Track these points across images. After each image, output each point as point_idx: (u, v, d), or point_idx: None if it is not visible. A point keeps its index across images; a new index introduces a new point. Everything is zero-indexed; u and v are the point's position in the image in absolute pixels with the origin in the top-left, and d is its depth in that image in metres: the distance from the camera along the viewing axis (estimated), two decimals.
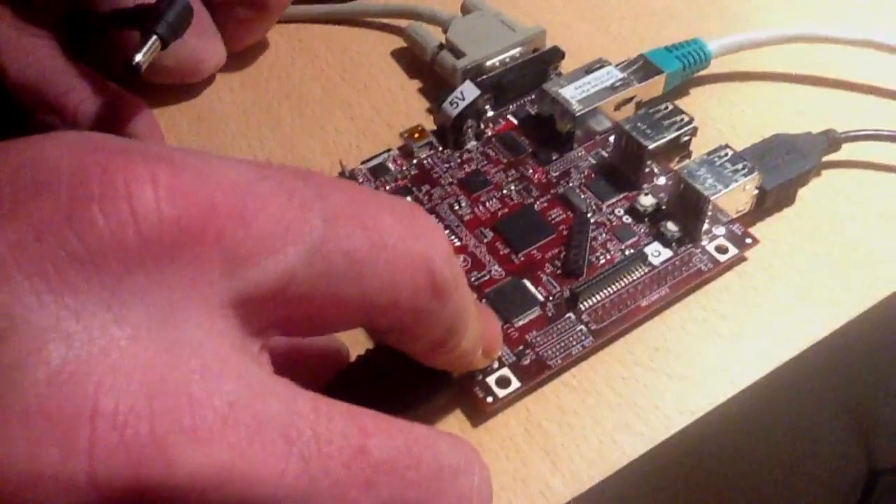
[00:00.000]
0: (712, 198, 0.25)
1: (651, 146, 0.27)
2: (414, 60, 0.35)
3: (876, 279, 0.26)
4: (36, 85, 0.30)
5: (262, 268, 0.14)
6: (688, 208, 0.26)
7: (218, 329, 0.13)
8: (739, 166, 0.26)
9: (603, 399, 0.24)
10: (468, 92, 0.30)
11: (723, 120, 0.32)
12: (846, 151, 0.29)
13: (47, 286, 0.12)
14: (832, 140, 0.29)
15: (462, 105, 0.29)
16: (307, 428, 0.14)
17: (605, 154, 0.29)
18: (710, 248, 0.26)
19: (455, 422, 0.24)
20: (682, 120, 0.28)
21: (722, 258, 0.26)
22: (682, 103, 0.32)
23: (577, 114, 0.29)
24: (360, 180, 0.29)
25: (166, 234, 0.13)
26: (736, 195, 0.26)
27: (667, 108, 0.28)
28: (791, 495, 0.43)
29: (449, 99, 0.30)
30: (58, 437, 0.11)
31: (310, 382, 0.19)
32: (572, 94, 0.29)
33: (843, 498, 0.53)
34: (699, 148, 0.29)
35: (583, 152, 0.30)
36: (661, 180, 0.28)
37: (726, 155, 0.26)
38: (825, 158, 0.29)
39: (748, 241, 0.26)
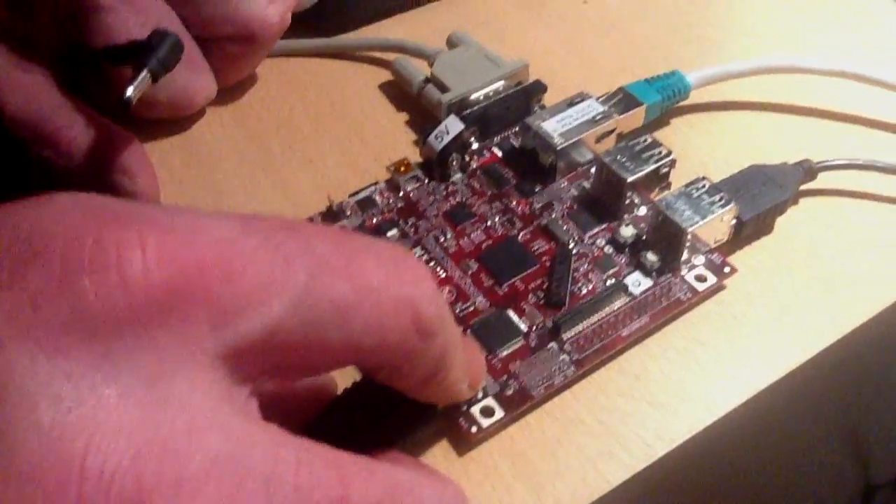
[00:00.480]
0: (690, 229, 0.26)
1: (630, 178, 0.28)
2: (401, 93, 0.35)
3: (855, 302, 0.27)
4: (32, 120, 0.30)
5: (249, 321, 0.14)
6: (667, 239, 0.27)
7: (206, 383, 0.14)
8: (716, 198, 0.27)
9: (585, 427, 0.24)
10: (452, 126, 0.30)
11: (701, 150, 0.32)
12: (822, 180, 0.30)
13: (41, 350, 0.12)
14: (808, 170, 0.29)
15: (447, 139, 0.30)
16: (289, 477, 0.14)
17: (586, 185, 0.30)
18: (690, 277, 0.27)
19: (440, 452, 0.24)
20: (660, 152, 0.29)
21: (701, 287, 0.27)
22: (661, 134, 0.33)
23: (559, 147, 0.29)
24: (348, 213, 0.30)
25: (155, 298, 0.13)
26: (714, 226, 0.27)
27: (646, 140, 0.29)
28: None
29: (434, 133, 0.31)
30: (48, 499, 0.12)
31: (297, 416, 0.20)
32: (554, 127, 0.30)
33: None
34: (679, 178, 0.29)
35: (565, 184, 0.30)
36: (642, 210, 0.29)
37: (703, 187, 0.27)
38: (802, 187, 0.30)
39: (726, 269, 0.27)
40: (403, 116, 0.35)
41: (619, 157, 0.28)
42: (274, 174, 0.33)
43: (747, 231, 0.28)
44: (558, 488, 0.23)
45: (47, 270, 0.13)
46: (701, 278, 0.27)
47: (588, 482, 0.23)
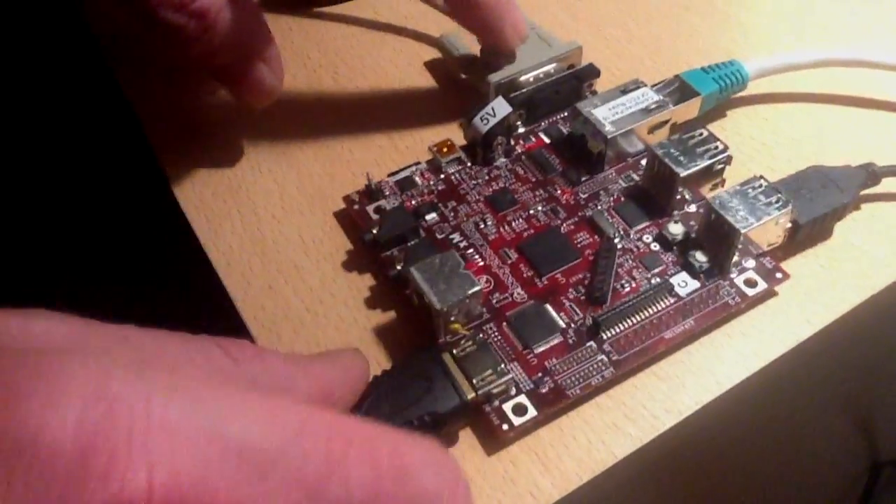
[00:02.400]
0: (744, 231, 0.25)
1: (683, 173, 0.27)
2: (448, 72, 0.34)
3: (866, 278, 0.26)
4: None
5: None
6: (718, 239, 0.26)
7: None
8: (773, 199, 0.25)
9: (592, 399, 0.24)
10: (499, 108, 0.29)
11: (759, 145, 0.31)
12: (886, 185, 0.28)
13: None
14: (871, 174, 0.28)
15: (493, 122, 0.29)
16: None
17: (636, 177, 0.29)
18: (739, 280, 0.26)
19: (468, 448, 0.23)
20: (716, 147, 0.27)
21: (751, 292, 0.25)
22: (717, 126, 0.31)
23: (610, 136, 0.28)
24: (387, 192, 0.29)
25: None
26: (768, 228, 0.25)
27: (701, 134, 0.28)
28: (794, 489, 0.44)
29: (480, 115, 0.29)
30: None
31: None
32: (605, 114, 0.29)
33: (846, 491, 0.53)
34: (733, 174, 0.28)
35: (613, 174, 0.29)
36: (692, 208, 0.28)
37: (760, 186, 0.26)
38: (864, 192, 0.28)
39: (779, 275, 0.26)
40: (449, 96, 0.34)
41: (672, 150, 0.27)
42: (316, 147, 0.32)
43: (803, 235, 0.27)
44: (564, 461, 0.23)
45: (54, 483, 0.13)
46: (751, 283, 0.26)
47: (594, 455, 0.23)
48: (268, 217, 0.29)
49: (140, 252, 0.42)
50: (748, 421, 0.29)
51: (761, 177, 0.26)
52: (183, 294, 0.38)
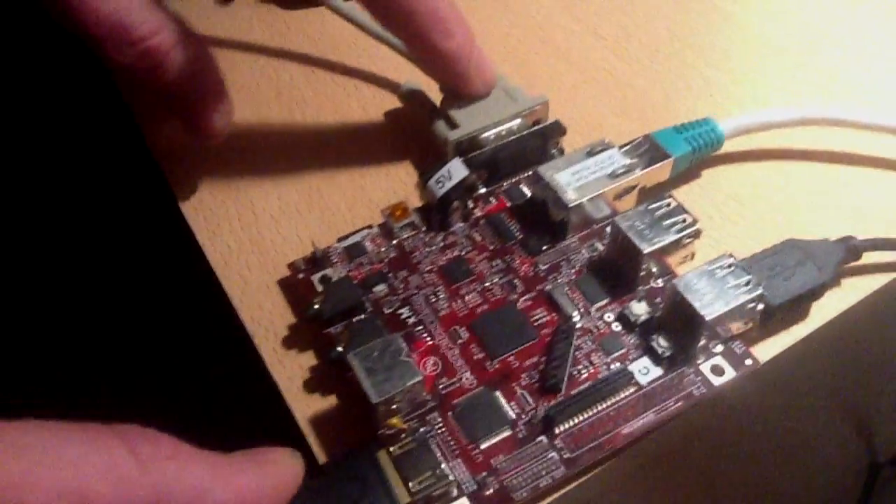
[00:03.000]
0: (709, 317, 0.23)
1: (647, 249, 0.25)
2: (410, 123, 0.33)
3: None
4: (116, 18, 0.26)
5: None
6: (683, 323, 0.24)
7: None
8: (742, 280, 0.24)
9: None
10: (456, 171, 0.28)
11: (733, 209, 0.29)
12: (868, 257, 0.27)
13: None
14: (851, 248, 0.26)
15: (448, 185, 0.27)
16: None
17: (600, 246, 0.27)
18: (706, 368, 0.24)
19: None
20: (684, 220, 0.25)
21: (717, 381, 0.24)
22: (690, 186, 0.30)
23: (571, 204, 0.26)
24: (335, 260, 0.27)
25: None
26: (737, 312, 0.24)
27: (669, 205, 0.26)
28: (792, 489, 0.43)
29: (436, 177, 0.28)
30: None
31: None
32: (568, 180, 0.27)
33: (844, 491, 0.52)
34: (706, 242, 0.26)
35: (576, 243, 0.27)
36: (660, 282, 0.26)
37: (730, 267, 0.24)
38: (846, 266, 0.26)
39: (748, 361, 0.24)
40: (409, 150, 0.32)
41: (636, 222, 0.25)
42: (263, 205, 0.30)
43: (777, 317, 0.25)
44: None
45: None
46: (718, 370, 0.24)
47: None
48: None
49: (137, 254, 0.40)
50: (745, 422, 0.28)
51: (731, 255, 0.24)
52: (180, 293, 0.36)
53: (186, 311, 0.32)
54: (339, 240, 0.28)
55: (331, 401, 0.25)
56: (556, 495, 0.22)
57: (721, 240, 0.28)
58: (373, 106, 0.34)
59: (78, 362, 0.35)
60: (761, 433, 0.31)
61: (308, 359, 0.26)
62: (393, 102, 0.33)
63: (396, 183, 0.30)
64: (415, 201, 0.29)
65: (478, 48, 0.29)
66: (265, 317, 0.27)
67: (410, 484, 0.21)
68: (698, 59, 0.35)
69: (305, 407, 0.24)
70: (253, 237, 0.29)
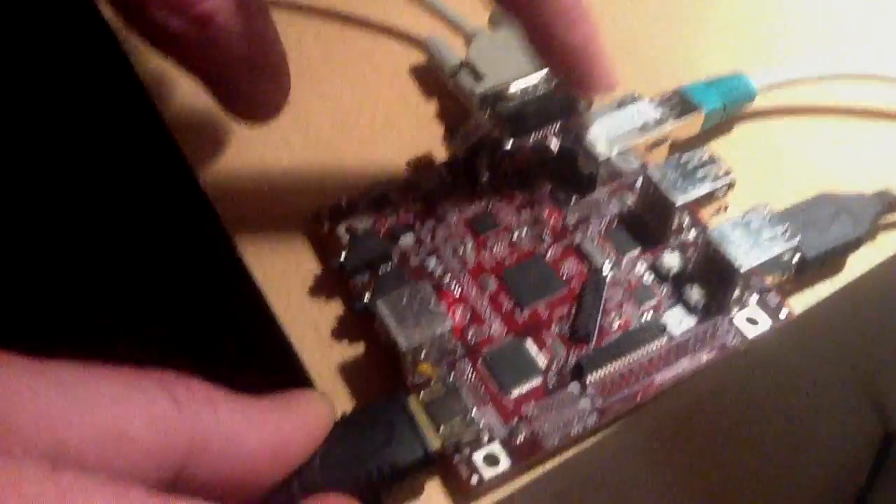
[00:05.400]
0: (745, 269, 0.22)
1: (680, 201, 0.24)
2: (435, 79, 0.32)
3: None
4: None
5: None
6: (717, 275, 0.23)
7: None
8: (779, 230, 0.23)
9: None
10: (483, 122, 0.27)
11: (767, 165, 0.28)
12: None
13: None
14: (888, 202, 0.25)
15: (475, 137, 0.27)
16: None
17: (630, 199, 0.27)
18: (740, 319, 0.23)
19: (438, 502, 0.21)
20: (717, 172, 0.25)
21: (752, 332, 0.23)
22: (722, 142, 0.29)
23: (602, 156, 0.26)
24: (359, 211, 0.27)
25: None
26: (773, 263, 0.23)
27: (702, 156, 0.25)
28: (804, 460, 0.43)
29: (463, 129, 0.27)
30: None
31: None
32: (598, 132, 0.27)
33: (857, 461, 0.52)
34: (738, 197, 0.26)
35: (606, 196, 0.27)
36: (692, 235, 0.25)
37: (765, 217, 0.23)
38: (881, 221, 0.26)
39: (783, 313, 0.23)
40: (434, 105, 0.31)
41: (669, 173, 0.25)
42: (283, 156, 0.30)
43: (812, 269, 0.24)
44: None
45: None
46: (752, 321, 0.23)
47: None
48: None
49: (150, 208, 0.39)
50: (756, 392, 0.28)
51: (766, 205, 0.24)
52: (202, 246, 0.35)
53: (210, 264, 0.31)
54: (365, 191, 0.27)
55: (357, 351, 0.24)
56: (586, 444, 0.22)
57: (753, 195, 0.27)
58: (400, 61, 0.33)
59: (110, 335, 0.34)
60: (784, 397, 0.31)
61: (333, 309, 0.25)
62: (419, 58, 0.33)
63: (423, 137, 0.30)
64: (441, 156, 0.29)
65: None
66: (290, 267, 0.26)
67: (441, 428, 0.21)
68: (734, 12, 0.34)
69: (332, 358, 0.24)
70: (277, 187, 0.29)
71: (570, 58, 0.25)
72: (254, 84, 0.24)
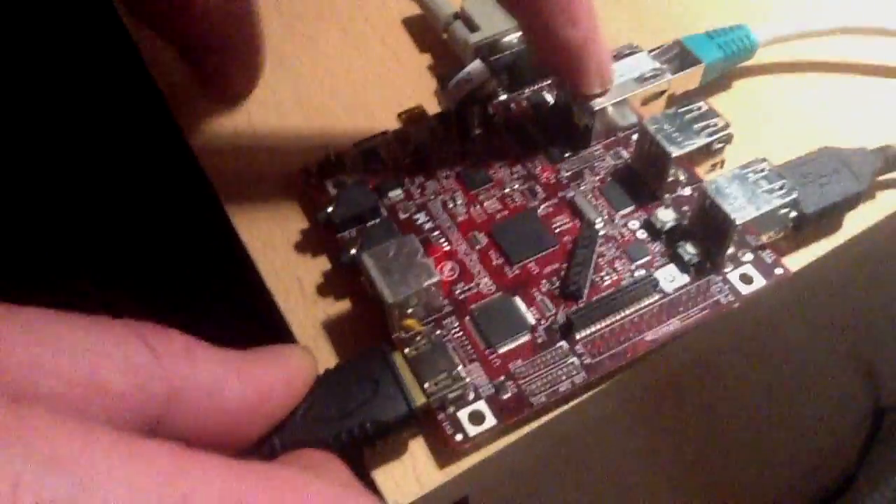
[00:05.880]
0: (740, 221, 0.22)
1: (677, 153, 0.24)
2: (429, 31, 0.31)
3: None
4: None
5: None
6: (712, 229, 0.23)
7: None
8: (777, 185, 0.23)
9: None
10: (477, 73, 0.26)
11: (766, 120, 0.28)
12: None
13: None
14: (889, 158, 0.25)
15: (469, 88, 0.26)
16: None
17: (625, 155, 0.26)
18: (734, 276, 0.23)
19: (421, 460, 0.21)
20: (716, 124, 0.24)
21: (745, 290, 0.23)
22: (721, 97, 0.28)
23: (597, 108, 0.25)
24: (348, 165, 0.26)
25: None
26: (769, 218, 0.22)
27: (700, 108, 0.24)
28: (797, 434, 0.43)
29: (455, 79, 0.26)
30: None
31: None
32: None
33: (849, 436, 0.53)
34: (735, 153, 0.25)
35: (601, 150, 0.26)
36: (687, 191, 0.25)
37: (762, 171, 0.23)
38: (880, 178, 0.25)
39: (778, 270, 0.23)
40: (427, 58, 0.31)
41: (665, 125, 0.24)
42: (271, 109, 0.29)
43: (809, 226, 0.24)
44: None
45: None
46: (746, 279, 0.23)
47: None
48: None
49: (140, 167, 0.38)
50: (764, 344, 0.27)
51: (764, 159, 0.23)
52: (189, 202, 0.35)
53: (195, 220, 0.31)
54: (355, 145, 0.27)
55: (343, 308, 0.24)
56: (574, 402, 0.21)
57: (752, 151, 0.26)
58: (392, 12, 0.32)
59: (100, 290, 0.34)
60: (777, 361, 0.31)
61: (319, 265, 0.25)
62: (412, 8, 0.32)
63: (415, 91, 0.29)
64: (433, 108, 0.28)
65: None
66: (277, 221, 0.26)
67: (426, 385, 0.20)
68: None
69: (316, 315, 0.24)
70: (264, 140, 0.28)
71: (569, 55, 0.24)
72: (224, 65, 0.25)
